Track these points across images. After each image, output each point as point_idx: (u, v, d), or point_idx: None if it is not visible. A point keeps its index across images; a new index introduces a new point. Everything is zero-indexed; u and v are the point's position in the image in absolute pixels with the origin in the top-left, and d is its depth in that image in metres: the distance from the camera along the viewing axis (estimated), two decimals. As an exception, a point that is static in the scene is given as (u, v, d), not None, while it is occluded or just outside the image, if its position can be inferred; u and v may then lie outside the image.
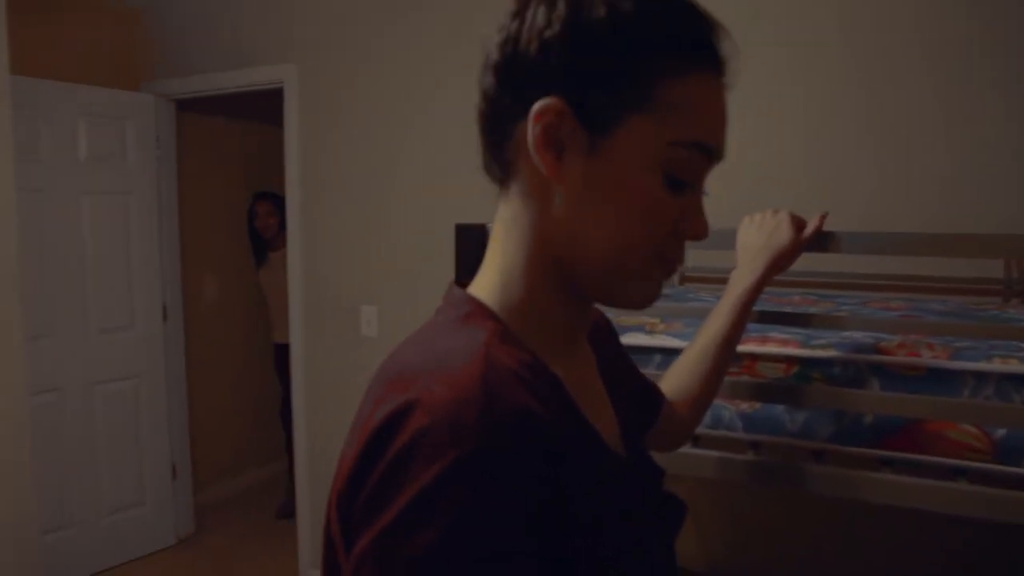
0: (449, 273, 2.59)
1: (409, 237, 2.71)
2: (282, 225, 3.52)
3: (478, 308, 0.58)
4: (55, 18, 3.07)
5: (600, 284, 0.58)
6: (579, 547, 0.50)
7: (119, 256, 3.13)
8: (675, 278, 2.10)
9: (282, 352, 3.64)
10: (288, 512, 3.60)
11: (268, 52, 2.95)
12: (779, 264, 0.92)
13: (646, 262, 0.57)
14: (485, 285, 0.61)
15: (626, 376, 0.80)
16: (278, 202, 3.59)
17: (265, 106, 3.33)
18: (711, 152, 0.57)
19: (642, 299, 0.60)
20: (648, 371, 1.02)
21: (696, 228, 0.58)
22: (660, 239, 0.57)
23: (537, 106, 0.54)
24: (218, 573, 3.18)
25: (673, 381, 0.91)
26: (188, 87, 3.19)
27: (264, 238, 3.78)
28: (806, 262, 1.00)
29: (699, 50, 0.55)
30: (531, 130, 0.54)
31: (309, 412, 3.01)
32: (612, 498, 0.56)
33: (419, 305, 2.69)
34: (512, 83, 0.56)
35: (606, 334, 0.80)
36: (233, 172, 4.01)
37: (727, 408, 1.07)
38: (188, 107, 3.50)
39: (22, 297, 2.34)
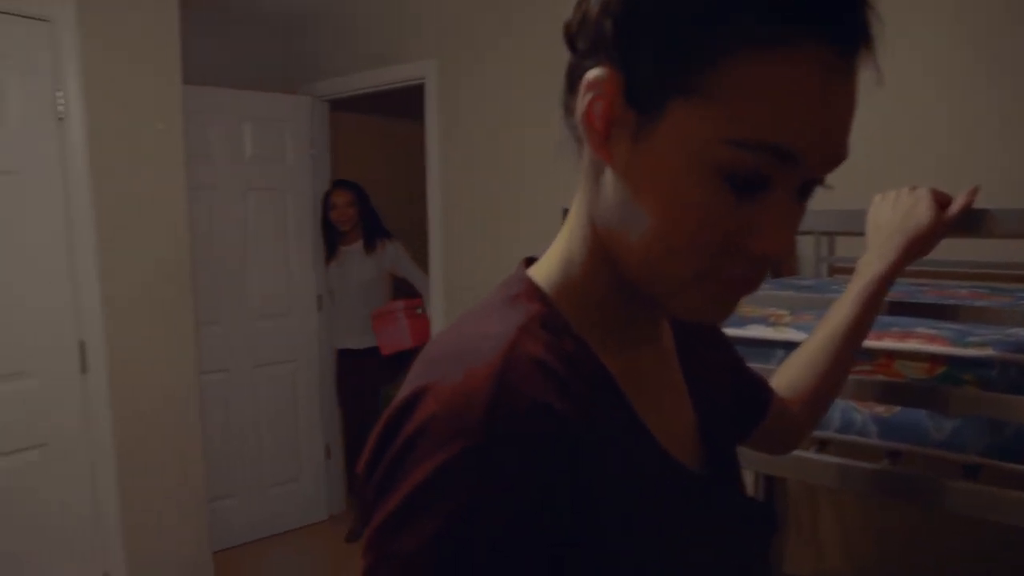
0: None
1: (546, 230, 2.69)
2: (361, 216, 3.45)
3: (528, 289, 0.54)
4: (222, 30, 3.34)
5: (645, 286, 0.50)
6: (602, 557, 0.45)
7: (278, 248, 3.37)
8: (823, 268, 1.93)
9: (350, 359, 3.50)
10: (358, 536, 3.34)
11: (410, 49, 3.05)
12: (916, 248, 0.79)
13: (703, 275, 0.46)
14: (546, 265, 0.56)
15: (725, 369, 0.72)
16: (358, 192, 3.46)
17: (411, 102, 3.45)
18: (793, 158, 0.43)
19: (696, 315, 0.50)
20: (769, 367, 0.93)
21: (766, 245, 0.45)
22: (714, 251, 0.45)
23: (588, 76, 0.47)
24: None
25: (787, 376, 0.81)
26: (339, 88, 3.37)
27: (340, 231, 3.47)
28: (967, 249, 0.86)
29: (798, 13, 0.41)
30: (579, 102, 0.48)
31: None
32: (656, 507, 0.50)
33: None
34: (577, 49, 0.50)
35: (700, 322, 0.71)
36: (380, 168, 4.19)
37: (859, 411, 0.95)
38: (340, 107, 3.69)
39: (195, 285, 2.57)
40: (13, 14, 2.07)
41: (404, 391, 0.46)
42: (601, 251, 0.52)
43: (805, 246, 1.86)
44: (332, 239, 3.51)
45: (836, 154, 0.45)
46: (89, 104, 2.21)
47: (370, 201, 3.51)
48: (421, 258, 3.76)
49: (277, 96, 3.37)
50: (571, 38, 0.51)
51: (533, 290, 0.54)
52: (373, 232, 3.48)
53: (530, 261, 0.59)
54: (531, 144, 2.67)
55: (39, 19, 2.12)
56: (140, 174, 2.36)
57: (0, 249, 2.08)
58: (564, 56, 0.52)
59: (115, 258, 2.31)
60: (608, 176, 0.49)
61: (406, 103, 3.41)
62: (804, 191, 0.47)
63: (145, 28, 2.36)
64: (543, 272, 0.56)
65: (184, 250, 2.50)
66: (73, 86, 2.18)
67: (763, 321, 1.07)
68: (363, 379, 3.50)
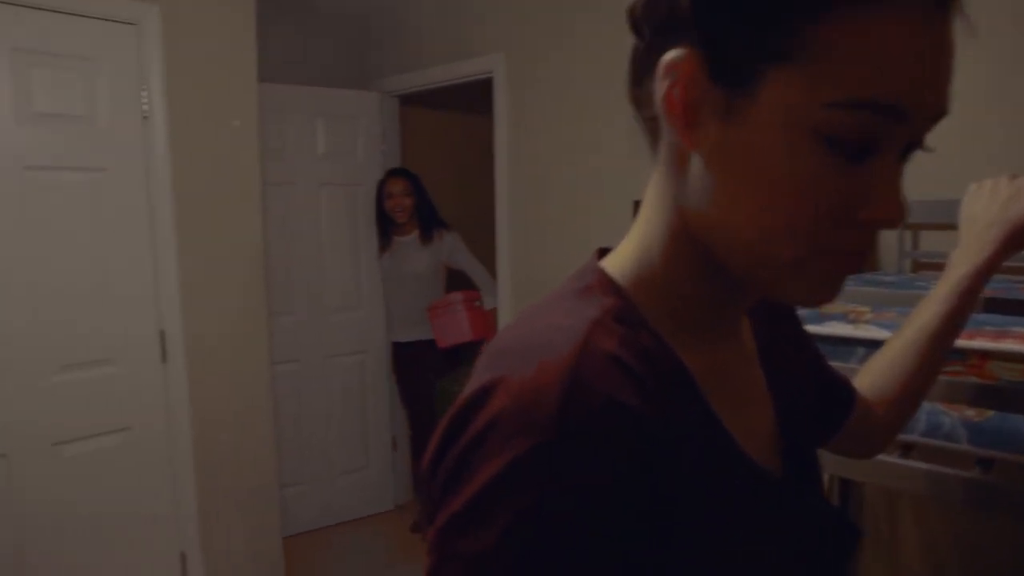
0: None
1: (616, 224, 2.66)
2: (417, 207, 3.37)
3: (602, 281, 0.52)
4: (294, 28, 3.43)
5: (747, 275, 0.47)
6: (674, 558, 0.43)
7: (349, 242, 3.44)
8: (906, 263, 1.84)
9: (404, 352, 3.46)
10: (425, 529, 3.50)
11: (478, 44, 3.05)
12: (1015, 241, 0.74)
13: (810, 253, 0.44)
14: (621, 256, 0.54)
15: (807, 367, 0.69)
16: (414, 181, 3.39)
17: (479, 97, 3.46)
18: (899, 114, 0.41)
19: (804, 297, 0.48)
20: (849, 366, 0.89)
21: (879, 211, 0.43)
22: (824, 225, 0.43)
23: (664, 60, 0.44)
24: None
25: (871, 376, 0.77)
26: (409, 83, 3.41)
27: (395, 221, 3.39)
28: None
29: None
30: (657, 88, 0.45)
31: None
32: (731, 509, 0.48)
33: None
34: (648, 30, 0.48)
35: (781, 317, 0.68)
36: (448, 162, 4.22)
37: (948, 414, 0.90)
38: (409, 102, 3.73)
39: (269, 278, 2.64)
40: (103, 19, 2.17)
41: (472, 385, 0.45)
42: (686, 242, 0.50)
43: (888, 239, 1.77)
44: (386, 229, 3.44)
45: (940, 107, 0.43)
46: (171, 103, 2.30)
47: (426, 191, 3.43)
48: (488, 253, 3.75)
49: (348, 92, 3.43)
50: (636, 22, 0.49)
51: (607, 282, 0.51)
52: (429, 222, 3.41)
53: (603, 252, 0.57)
54: (601, 137, 2.64)
55: (126, 23, 2.21)
56: (218, 170, 2.44)
57: (90, 243, 2.19)
58: (616, 45, 0.49)
59: (193, 251, 2.39)
60: (696, 162, 0.46)
61: (475, 97, 3.42)
62: (904, 155, 0.44)
63: (223, 29, 2.43)
64: (617, 264, 0.53)
65: (258, 244, 2.57)
66: (156, 86, 2.27)
67: (843, 318, 1.02)
68: (419, 372, 3.45)
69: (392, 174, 3.41)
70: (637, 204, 0.56)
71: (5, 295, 2.05)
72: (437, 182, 4.13)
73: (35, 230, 2.09)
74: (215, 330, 2.47)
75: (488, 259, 4.20)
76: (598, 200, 2.68)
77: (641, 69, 0.49)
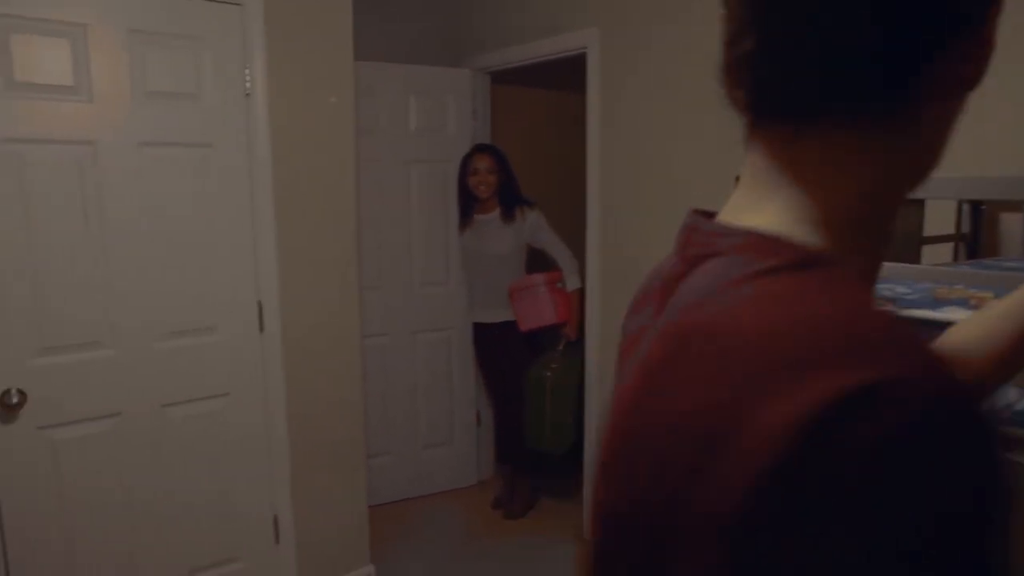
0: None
1: (710, 203, 2.58)
2: (500, 184, 3.31)
3: (817, 255, 0.44)
4: (387, 4, 3.46)
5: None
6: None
7: (438, 219, 3.47)
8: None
9: (485, 334, 3.46)
10: (506, 506, 3.43)
11: (572, 18, 3.00)
12: None
13: None
14: (777, 229, 0.47)
15: None
16: (499, 157, 3.34)
17: (571, 74, 3.41)
18: None
19: None
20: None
21: None
22: None
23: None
24: (508, 516, 3.42)
25: (956, 337, 0.71)
26: (500, 59, 3.40)
27: (478, 198, 3.35)
28: None
29: None
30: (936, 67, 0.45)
31: (603, 377, 3.07)
32: None
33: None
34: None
35: None
36: (539, 140, 4.19)
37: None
38: (501, 79, 3.72)
39: (360, 252, 2.70)
40: (210, 0, 2.25)
41: (806, 394, 0.35)
42: (860, 222, 0.48)
43: (1011, 224, 1.64)
44: (468, 206, 3.41)
45: None
46: (271, 81, 2.37)
47: (511, 168, 3.38)
48: (576, 233, 3.70)
49: (440, 69, 3.45)
50: None
51: (828, 257, 0.45)
52: (512, 200, 3.34)
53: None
54: (699, 114, 2.56)
55: (232, 3, 2.29)
56: (315, 147, 2.50)
57: (196, 216, 2.29)
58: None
59: (290, 225, 2.47)
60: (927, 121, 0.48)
61: (567, 74, 3.37)
62: None
63: (322, 7, 2.48)
64: (785, 235, 0.47)
65: (352, 219, 2.63)
66: (259, 64, 2.34)
67: (964, 303, 0.95)
68: (501, 353, 3.43)
69: (478, 150, 3.37)
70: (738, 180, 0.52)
71: (121, 264, 2.17)
72: (526, 160, 4.11)
73: (148, 203, 2.20)
74: (309, 303, 2.55)
75: (576, 239, 4.15)
76: (694, 181, 2.60)
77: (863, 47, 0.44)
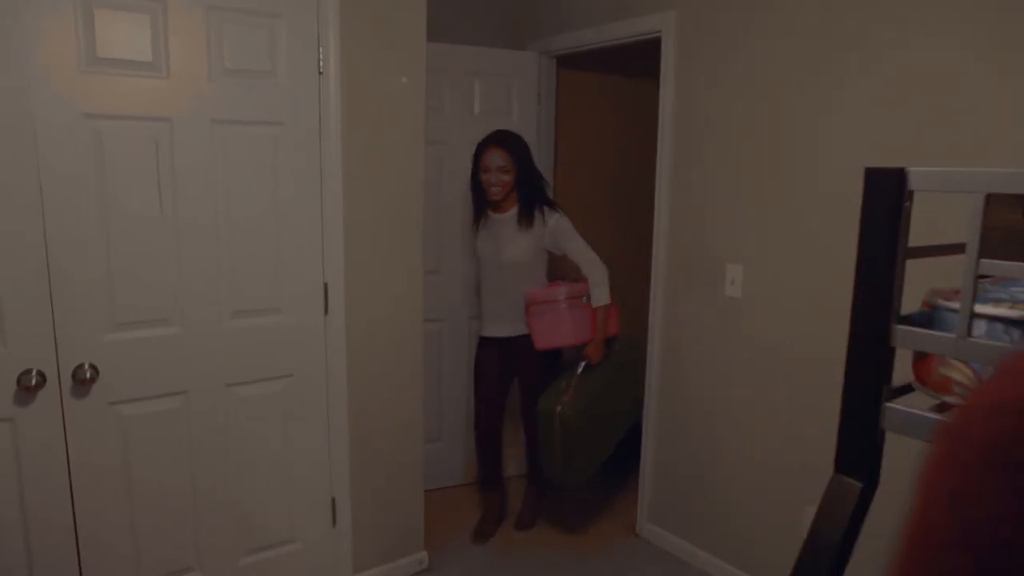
0: (832, 232, 2.30)
1: (783, 194, 2.47)
2: (518, 184, 2.87)
3: None
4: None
5: None
6: None
7: (499, 204, 3.42)
8: None
9: (496, 349, 3.02)
10: (525, 523, 3.19)
11: (646, 0, 2.90)
12: None
13: None
14: None
15: None
16: (517, 151, 2.87)
17: (640, 61, 3.31)
18: None
19: None
20: None
21: None
22: None
23: None
24: (564, 504, 3.39)
25: None
26: (569, 43, 3.31)
27: (490, 199, 2.93)
28: None
29: None
30: None
31: (664, 372, 2.99)
32: None
33: (789, 266, 2.47)
34: None
35: None
36: (606, 128, 4.10)
37: None
38: (567, 63, 3.63)
39: (424, 236, 2.67)
40: (283, -25, 2.22)
41: None
42: None
43: None
44: (481, 203, 3.00)
45: None
46: (344, 59, 2.33)
47: (532, 162, 2.93)
48: (640, 229, 3.60)
49: (506, 52, 3.38)
50: None
51: None
52: (531, 201, 2.88)
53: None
54: (780, 103, 2.44)
55: (306, -22, 2.25)
56: (385, 127, 2.46)
57: (266, 195, 2.27)
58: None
59: (357, 207, 2.44)
60: None
61: (638, 60, 3.27)
62: None
63: (396, -15, 2.43)
64: None
65: (418, 203, 2.59)
66: (332, 42, 2.30)
67: None
68: (513, 372, 3.07)
69: (492, 141, 2.88)
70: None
71: (190, 244, 2.16)
72: (589, 149, 4.03)
73: (219, 182, 2.19)
74: (374, 286, 2.52)
75: (638, 232, 4.06)
76: (778, 177, 2.49)
77: None
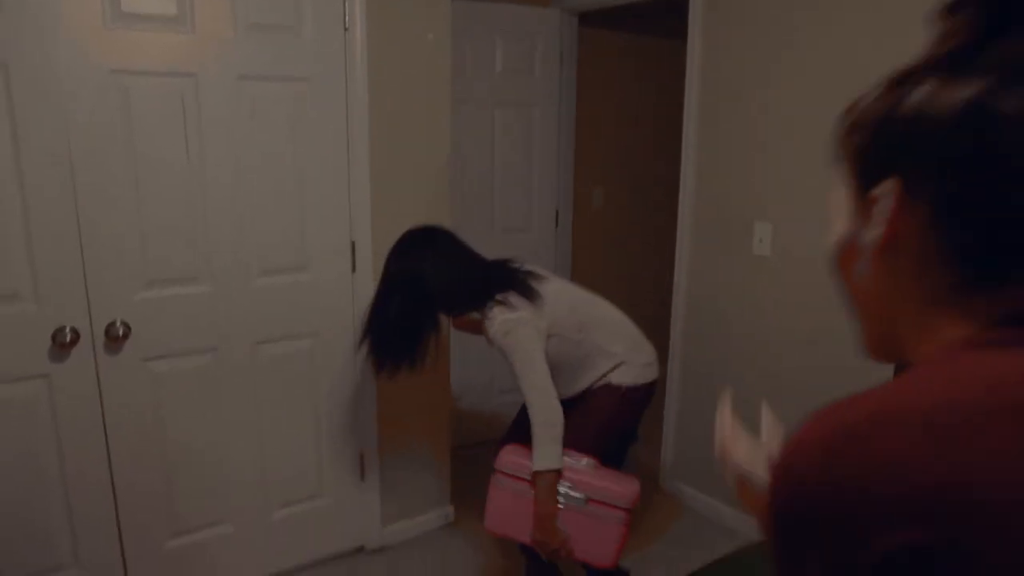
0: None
1: (815, 150, 2.44)
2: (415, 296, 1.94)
3: None
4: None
5: None
6: None
7: (522, 163, 3.39)
8: None
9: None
10: None
11: (675, -46, 2.83)
12: None
13: None
14: None
15: None
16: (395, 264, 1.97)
17: (664, 19, 3.25)
18: None
19: None
20: None
21: None
22: None
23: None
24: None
25: None
26: (592, 1, 3.24)
27: None
28: None
29: None
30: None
31: (688, 330, 2.99)
32: None
33: (815, 223, 2.44)
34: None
35: None
36: (628, 87, 4.05)
37: None
38: (589, 22, 3.57)
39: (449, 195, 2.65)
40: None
41: None
42: None
43: None
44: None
45: None
46: (370, 15, 2.30)
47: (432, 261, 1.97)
48: (664, 187, 3.55)
49: (528, 9, 3.33)
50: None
51: None
52: (451, 307, 2.05)
53: None
54: (815, 56, 2.39)
55: (328, -69, 2.21)
56: (411, 85, 2.44)
57: (293, 153, 2.26)
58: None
59: (383, 165, 2.43)
60: None
61: (662, 18, 3.21)
62: None
63: (419, -63, 2.38)
64: None
65: (444, 161, 2.58)
66: (356, -3, 2.27)
67: None
68: None
69: None
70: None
71: (217, 201, 2.17)
72: (611, 109, 3.99)
73: (245, 139, 2.18)
74: (399, 245, 2.52)
75: (661, 194, 4.03)
76: (807, 130, 2.45)
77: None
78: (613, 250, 4.16)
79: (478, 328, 2.23)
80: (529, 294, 1.97)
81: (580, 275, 3.91)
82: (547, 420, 1.87)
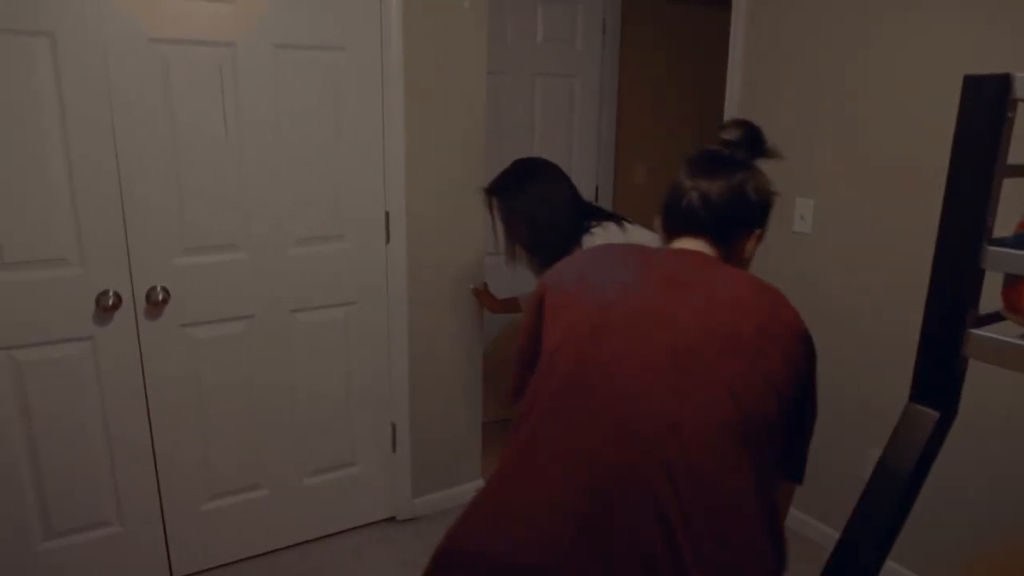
0: (910, 158, 2.17)
1: (861, 124, 2.34)
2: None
3: None
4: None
5: None
6: None
7: (562, 135, 3.35)
8: None
9: None
10: None
11: (724, -81, 2.73)
12: None
13: None
14: None
15: None
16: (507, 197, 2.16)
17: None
18: None
19: None
20: None
21: None
22: None
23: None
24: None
25: None
26: (637, -34, 3.16)
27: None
28: None
29: None
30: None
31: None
32: None
33: (861, 199, 2.35)
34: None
35: None
36: (673, 57, 3.94)
37: None
38: (635, -11, 3.49)
39: (485, 167, 2.63)
40: None
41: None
42: None
43: None
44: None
45: None
46: (406, -18, 2.27)
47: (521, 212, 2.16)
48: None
49: (571, -24, 3.26)
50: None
51: None
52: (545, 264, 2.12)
53: None
54: (875, 45, 2.29)
55: None
56: (446, 53, 2.41)
57: (328, 123, 2.26)
58: None
59: (418, 135, 2.41)
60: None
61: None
62: None
63: (459, -98, 2.34)
64: None
65: (479, 132, 2.55)
66: (393, -37, 2.24)
67: None
68: None
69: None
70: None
71: (254, 170, 2.18)
72: (654, 81, 3.89)
73: (282, 108, 2.18)
74: (435, 215, 2.51)
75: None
76: (852, 104, 2.35)
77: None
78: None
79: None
80: (622, 226, 2.12)
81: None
82: None
